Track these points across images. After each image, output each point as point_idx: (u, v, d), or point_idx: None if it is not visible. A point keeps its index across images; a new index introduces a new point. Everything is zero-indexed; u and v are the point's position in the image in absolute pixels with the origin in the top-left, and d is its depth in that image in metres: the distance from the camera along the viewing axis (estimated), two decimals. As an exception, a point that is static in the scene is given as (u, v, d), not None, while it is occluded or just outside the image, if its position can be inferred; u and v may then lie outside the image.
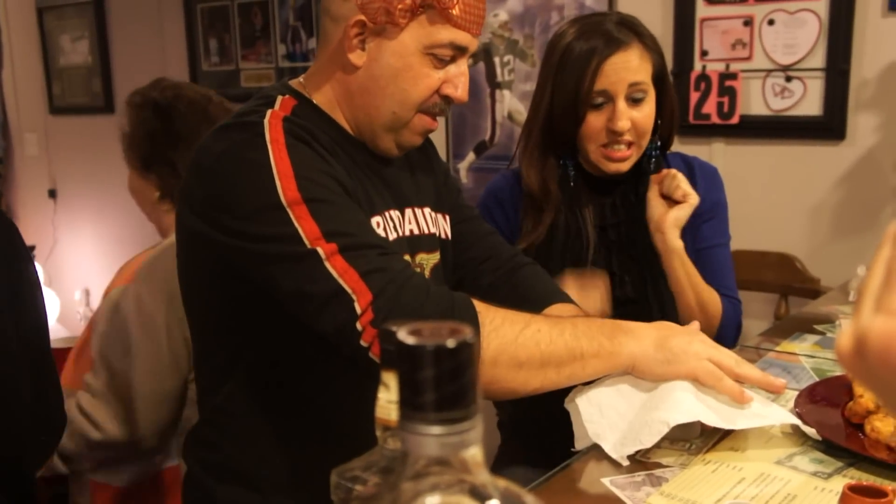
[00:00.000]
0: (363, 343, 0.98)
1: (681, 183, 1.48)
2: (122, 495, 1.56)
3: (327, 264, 0.99)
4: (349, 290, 0.98)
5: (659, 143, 1.58)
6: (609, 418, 1.06)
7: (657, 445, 1.09)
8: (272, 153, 1.03)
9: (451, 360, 0.43)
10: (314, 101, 1.17)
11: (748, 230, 2.40)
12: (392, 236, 1.18)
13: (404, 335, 0.44)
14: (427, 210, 1.29)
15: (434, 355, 0.43)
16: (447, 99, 1.15)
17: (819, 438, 1.06)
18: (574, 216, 1.55)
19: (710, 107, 2.42)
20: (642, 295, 1.54)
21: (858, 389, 1.10)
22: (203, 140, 1.13)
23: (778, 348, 1.47)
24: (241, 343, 1.15)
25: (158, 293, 1.46)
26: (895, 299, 0.38)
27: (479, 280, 1.34)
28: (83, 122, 4.13)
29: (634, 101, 1.48)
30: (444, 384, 0.43)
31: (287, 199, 1.01)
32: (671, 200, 1.50)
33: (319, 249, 0.99)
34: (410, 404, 0.44)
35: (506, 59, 2.78)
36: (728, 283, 1.59)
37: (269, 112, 1.09)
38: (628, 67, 1.45)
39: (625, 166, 1.52)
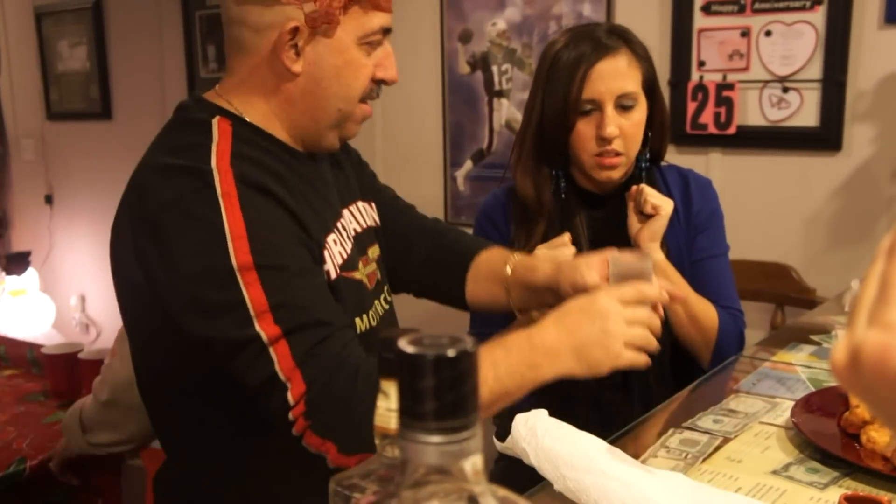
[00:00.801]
0: (295, 432, 0.99)
1: (649, 196, 1.47)
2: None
3: (269, 350, 0.98)
4: (283, 380, 0.98)
5: (648, 156, 1.57)
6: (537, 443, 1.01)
7: (654, 455, 1.09)
8: (224, 210, 0.99)
9: (452, 369, 0.43)
10: (247, 120, 1.11)
11: (744, 240, 2.41)
12: (348, 246, 1.18)
13: (405, 344, 0.44)
14: (360, 203, 1.30)
15: (434, 364, 0.43)
16: (381, 82, 1.14)
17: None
18: (567, 229, 1.55)
19: (707, 117, 2.43)
20: None
21: (854, 400, 1.10)
22: (144, 172, 1.06)
23: (774, 358, 1.47)
24: (194, 403, 1.11)
25: None
26: (889, 313, 0.38)
27: (412, 257, 1.39)
28: (81, 128, 4.13)
29: (623, 109, 1.47)
30: (444, 393, 0.43)
31: (238, 263, 0.97)
32: (644, 215, 1.49)
33: (262, 334, 0.97)
34: (410, 413, 0.44)
35: (504, 67, 2.79)
36: (726, 293, 1.57)
37: (213, 149, 1.03)
38: (616, 74, 1.45)
39: (615, 174, 1.51)
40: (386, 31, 1.13)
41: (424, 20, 2.90)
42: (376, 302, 1.25)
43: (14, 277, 4.01)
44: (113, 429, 1.54)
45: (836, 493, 0.94)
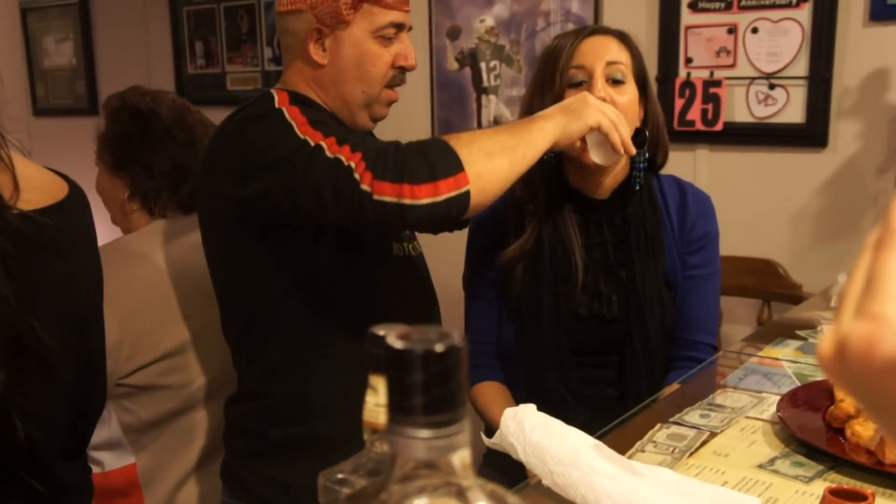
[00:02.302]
0: (366, 188, 1.15)
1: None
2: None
3: (328, 153, 1.18)
4: (346, 162, 1.17)
5: (647, 156, 1.54)
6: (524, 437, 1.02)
7: (641, 449, 1.10)
8: (284, 108, 1.25)
9: (440, 364, 0.44)
10: (306, 94, 1.36)
11: (731, 236, 2.42)
12: None
13: (392, 339, 0.44)
14: None
15: (422, 359, 0.43)
16: (402, 69, 1.37)
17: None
18: (559, 233, 1.53)
19: (694, 113, 2.44)
20: (626, 315, 1.52)
21: (839, 394, 1.11)
22: (217, 128, 1.34)
23: (760, 354, 1.48)
24: (281, 294, 1.33)
25: None
26: (875, 304, 0.39)
27: None
28: (67, 124, 4.11)
29: (614, 83, 1.45)
30: (433, 388, 0.44)
31: (301, 131, 1.21)
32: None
33: (323, 144, 1.19)
34: (399, 408, 0.44)
35: (492, 64, 2.79)
36: (708, 323, 1.56)
37: (276, 98, 1.29)
38: (607, 48, 1.46)
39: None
40: (398, 26, 1.34)
41: (413, 16, 2.89)
42: (407, 244, 1.47)
43: (0, 274, 4.00)
44: None
45: (821, 486, 0.95)
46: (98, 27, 3.92)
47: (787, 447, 1.09)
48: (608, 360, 1.54)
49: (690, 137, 2.47)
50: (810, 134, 2.32)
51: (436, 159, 1.15)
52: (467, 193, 1.16)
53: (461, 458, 0.45)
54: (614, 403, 1.51)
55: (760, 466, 1.04)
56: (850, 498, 0.83)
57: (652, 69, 2.49)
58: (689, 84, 2.43)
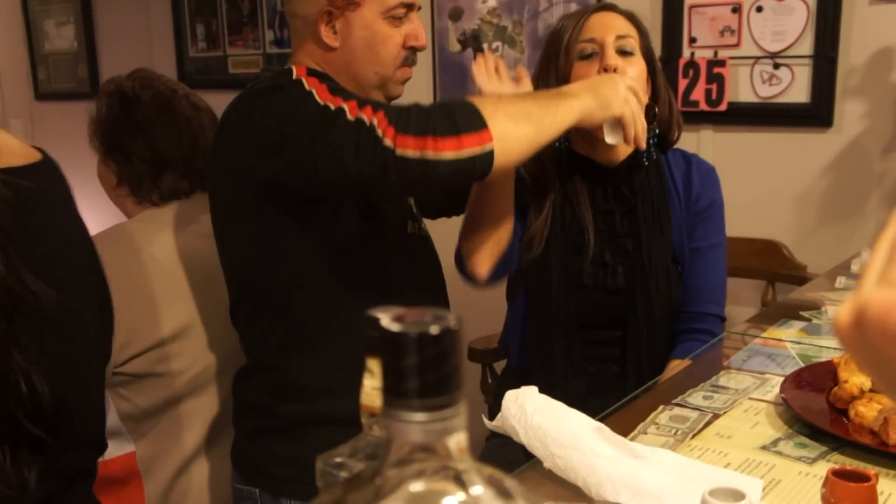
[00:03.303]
0: (390, 143, 1.14)
1: None
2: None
3: (349, 116, 1.18)
4: (368, 122, 1.16)
5: (657, 132, 1.54)
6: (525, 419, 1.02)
7: (643, 431, 1.10)
8: (303, 79, 1.25)
9: (435, 346, 0.43)
10: (323, 71, 1.36)
11: (735, 217, 2.40)
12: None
13: (388, 322, 0.44)
14: None
15: (418, 342, 0.43)
16: (413, 49, 1.37)
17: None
18: (570, 202, 1.53)
19: (698, 93, 2.42)
20: (631, 287, 1.52)
21: (843, 374, 1.11)
22: (229, 106, 1.33)
23: (764, 335, 1.47)
24: (301, 266, 1.33)
25: None
26: None
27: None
28: (69, 108, 4.10)
29: (624, 54, 1.47)
30: (428, 371, 0.43)
31: (321, 98, 1.21)
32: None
33: (345, 106, 1.19)
34: (394, 391, 0.44)
35: (494, 45, 2.77)
36: (716, 294, 1.55)
37: (294, 71, 1.29)
38: (615, 23, 1.49)
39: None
40: (408, 6, 1.35)
41: (414, -3, 2.87)
42: (417, 224, 1.50)
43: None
44: None
45: (824, 467, 0.95)
46: (99, 10, 3.90)
47: (791, 428, 1.08)
48: (612, 336, 1.54)
49: (695, 118, 2.45)
50: (815, 114, 2.30)
51: (460, 116, 1.15)
52: (491, 152, 1.15)
53: (457, 441, 0.44)
54: (615, 379, 1.52)
55: (763, 448, 1.03)
56: (853, 479, 0.82)
57: (656, 49, 2.46)
58: (693, 64, 2.41)
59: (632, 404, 1.21)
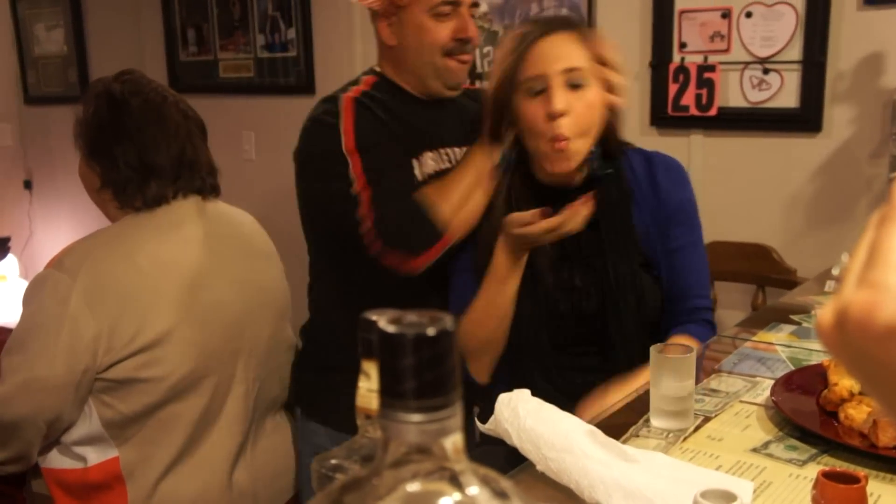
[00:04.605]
0: (374, 253, 1.46)
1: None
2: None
3: (358, 212, 1.45)
4: (364, 224, 1.45)
5: (596, 150, 1.44)
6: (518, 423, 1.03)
7: (635, 434, 1.10)
8: (342, 134, 1.47)
9: (431, 348, 0.43)
10: (387, 76, 1.58)
11: (725, 221, 2.43)
12: (444, 165, 1.57)
13: (384, 324, 0.44)
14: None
15: (414, 344, 0.43)
16: (461, 41, 1.52)
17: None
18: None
19: (688, 98, 2.43)
20: (602, 309, 1.46)
21: (833, 378, 1.11)
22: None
23: (754, 338, 1.48)
24: (329, 262, 1.65)
25: (73, 280, 1.44)
26: (876, 274, 0.39)
27: None
28: (59, 112, 4.08)
29: (574, 87, 1.37)
30: (424, 372, 0.43)
31: (346, 148, 1.46)
32: None
33: (360, 195, 1.45)
34: (391, 392, 0.44)
35: (485, 50, 2.78)
36: (700, 287, 1.50)
37: (351, 88, 1.55)
38: (562, 52, 1.37)
39: (569, 164, 1.39)
40: (454, 3, 1.50)
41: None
42: None
43: (-7, 263, 3.98)
44: (1, 446, 1.47)
45: (814, 469, 0.95)
46: (89, 14, 3.90)
47: (781, 431, 1.09)
48: (589, 350, 1.49)
49: (685, 123, 2.47)
50: (804, 119, 2.32)
51: (423, 237, 1.44)
52: (450, 243, 1.46)
53: (453, 442, 0.45)
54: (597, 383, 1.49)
55: (754, 450, 1.04)
56: (843, 481, 0.83)
57: (646, 54, 2.49)
58: (683, 69, 2.43)
59: (623, 407, 1.21)
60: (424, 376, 0.43)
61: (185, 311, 1.49)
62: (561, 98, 1.35)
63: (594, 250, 1.46)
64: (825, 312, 0.42)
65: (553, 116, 1.35)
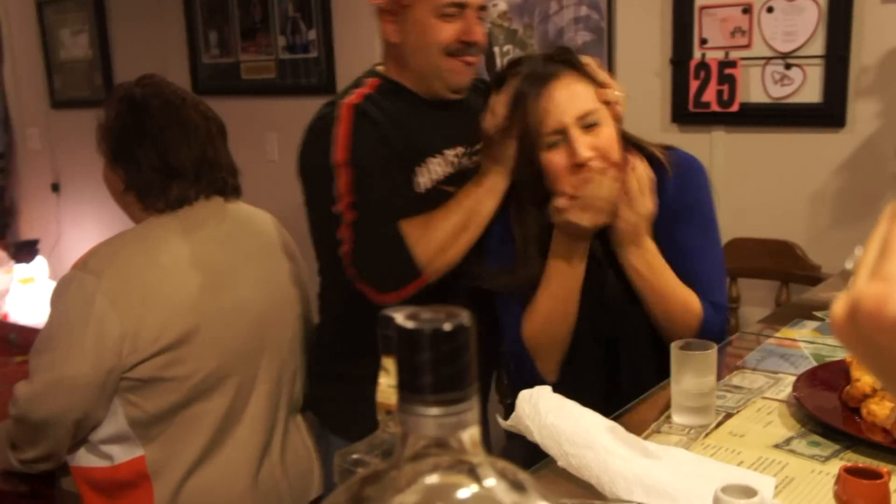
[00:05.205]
0: (349, 275, 1.47)
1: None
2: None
3: (342, 227, 1.44)
4: (342, 247, 1.45)
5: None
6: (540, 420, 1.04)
7: (657, 430, 1.10)
8: (336, 143, 1.45)
9: (449, 343, 0.44)
10: (390, 77, 1.56)
11: (748, 218, 2.41)
12: (450, 168, 1.55)
13: (402, 320, 0.45)
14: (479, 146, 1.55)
15: (431, 338, 0.44)
16: (466, 44, 1.49)
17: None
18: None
19: (709, 95, 2.42)
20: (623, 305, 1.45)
21: (856, 373, 1.11)
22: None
23: (778, 335, 1.48)
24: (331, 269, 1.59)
25: (98, 281, 1.47)
26: (888, 267, 0.40)
27: None
28: (85, 116, 4.11)
29: (590, 128, 1.36)
30: (442, 366, 0.44)
31: (336, 160, 1.44)
32: None
33: (342, 216, 1.44)
34: (409, 387, 0.45)
35: (505, 48, 2.78)
36: (713, 286, 1.45)
37: (353, 92, 1.52)
38: (573, 98, 1.36)
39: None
40: (460, 6, 1.48)
41: (426, 2, 2.89)
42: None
43: (23, 265, 4.03)
44: (31, 445, 1.51)
45: (837, 465, 0.95)
46: (113, 19, 3.94)
47: (804, 427, 1.09)
48: (598, 351, 1.48)
49: (706, 119, 2.46)
50: (828, 114, 2.30)
51: (400, 272, 1.44)
52: (425, 283, 1.44)
53: (471, 435, 0.45)
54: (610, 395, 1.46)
55: (776, 446, 1.04)
56: (865, 476, 0.83)
57: (666, 51, 2.48)
58: (704, 65, 2.42)
59: (645, 403, 1.22)
60: (442, 371, 0.44)
61: (207, 311, 1.51)
62: (583, 145, 1.35)
63: (603, 253, 1.45)
64: (838, 305, 0.42)
65: (581, 165, 1.34)
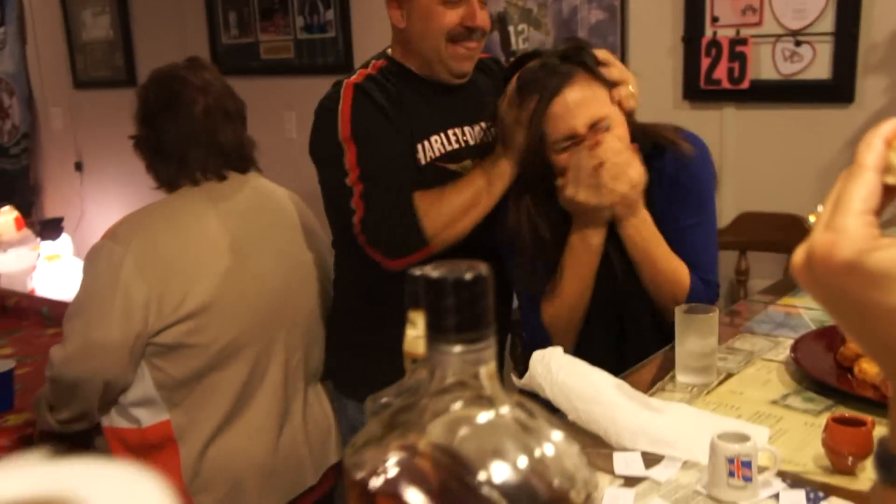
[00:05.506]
0: (361, 243, 1.53)
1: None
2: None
3: (353, 199, 1.51)
4: (354, 215, 1.52)
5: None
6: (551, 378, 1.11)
7: (661, 388, 1.18)
8: (339, 123, 1.52)
9: (469, 289, 0.52)
10: (396, 59, 1.61)
11: (758, 192, 2.46)
12: (451, 147, 1.59)
13: (429, 271, 0.52)
14: (485, 124, 1.61)
15: (454, 286, 0.51)
16: (469, 29, 1.53)
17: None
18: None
19: (720, 72, 2.47)
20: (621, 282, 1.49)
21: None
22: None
23: (780, 301, 1.54)
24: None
25: (126, 249, 1.56)
26: (838, 219, 0.47)
27: None
28: (107, 96, 4.22)
29: (603, 130, 1.40)
30: (464, 310, 0.52)
31: (342, 136, 1.50)
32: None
33: (353, 188, 1.51)
34: (436, 329, 0.52)
35: (520, 27, 2.83)
36: (703, 263, 1.48)
37: (358, 72, 1.59)
38: (584, 104, 1.40)
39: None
40: None
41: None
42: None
43: (49, 243, 4.14)
44: (65, 405, 1.61)
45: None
46: (133, 0, 4.01)
47: (800, 385, 1.15)
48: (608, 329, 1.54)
49: (717, 96, 2.50)
50: (837, 90, 2.34)
51: (405, 245, 1.49)
52: (432, 254, 1.50)
53: (488, 370, 0.53)
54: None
55: (773, 402, 1.11)
56: (851, 424, 0.90)
57: (678, 29, 2.52)
58: (715, 43, 2.46)
59: (650, 365, 1.29)
60: (464, 313, 0.52)
61: (227, 282, 1.59)
62: (596, 146, 1.38)
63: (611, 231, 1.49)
64: (797, 254, 0.49)
65: (598, 168, 1.38)
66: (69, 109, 4.45)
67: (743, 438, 0.89)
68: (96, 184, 4.40)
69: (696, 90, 2.52)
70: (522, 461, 0.54)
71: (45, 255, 4.12)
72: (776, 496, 0.88)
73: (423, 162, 1.56)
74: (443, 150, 1.58)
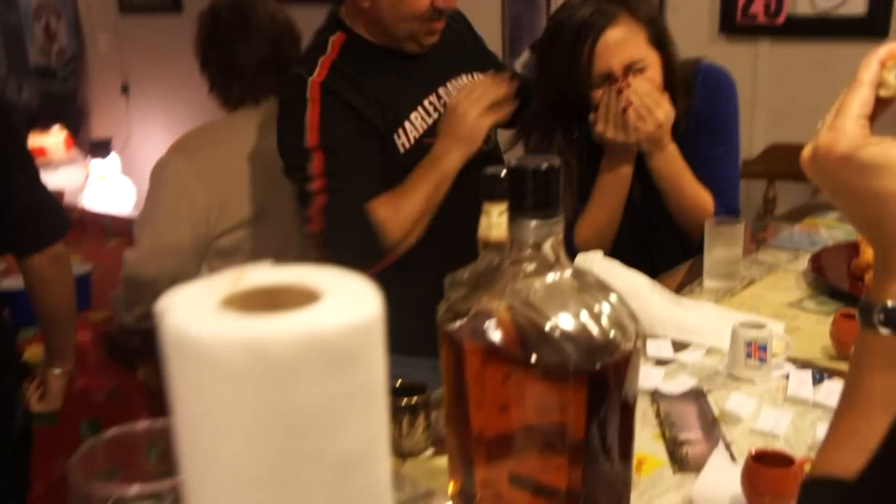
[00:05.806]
0: (314, 249, 1.53)
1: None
2: None
3: (313, 207, 1.46)
4: (312, 222, 1.48)
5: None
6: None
7: (690, 291, 1.31)
8: (307, 119, 1.45)
9: (544, 176, 0.65)
10: (356, 32, 1.53)
11: (790, 124, 2.54)
12: (432, 117, 1.55)
13: (512, 160, 0.66)
14: (464, 76, 1.61)
15: (533, 173, 0.65)
16: (438, 10, 1.47)
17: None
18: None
19: (757, 6, 2.52)
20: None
21: (864, 246, 1.30)
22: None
23: (804, 221, 1.66)
24: None
25: (189, 161, 1.74)
26: (838, 122, 0.60)
27: None
28: (153, 22, 4.32)
29: (637, 73, 1.44)
30: (539, 191, 0.65)
31: (309, 144, 1.44)
32: None
33: (313, 196, 1.46)
34: (518, 206, 0.66)
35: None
36: (725, 191, 1.53)
37: (319, 61, 1.48)
38: (622, 46, 1.43)
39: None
40: None
41: (486, -89, 2.99)
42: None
43: (98, 162, 4.31)
44: (138, 302, 1.78)
45: (839, 319, 1.15)
46: (180, -75, 4.08)
47: (815, 291, 1.29)
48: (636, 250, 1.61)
49: (753, 31, 2.56)
50: (871, 24, 2.39)
51: (367, 257, 1.47)
52: (398, 255, 1.51)
53: (555, 241, 0.67)
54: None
55: (790, 304, 1.24)
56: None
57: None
58: (753, -24, 2.51)
59: (679, 271, 1.42)
60: (539, 194, 0.66)
61: (273, 196, 1.76)
62: (627, 84, 1.44)
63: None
64: (805, 150, 0.62)
65: (626, 108, 1.44)
66: (115, 34, 4.56)
67: (761, 326, 1.03)
68: (142, 106, 4.53)
69: (733, 24, 2.58)
70: (584, 314, 0.68)
71: (96, 175, 4.29)
72: (786, 376, 1.02)
73: (407, 146, 1.51)
74: (425, 126, 1.54)
